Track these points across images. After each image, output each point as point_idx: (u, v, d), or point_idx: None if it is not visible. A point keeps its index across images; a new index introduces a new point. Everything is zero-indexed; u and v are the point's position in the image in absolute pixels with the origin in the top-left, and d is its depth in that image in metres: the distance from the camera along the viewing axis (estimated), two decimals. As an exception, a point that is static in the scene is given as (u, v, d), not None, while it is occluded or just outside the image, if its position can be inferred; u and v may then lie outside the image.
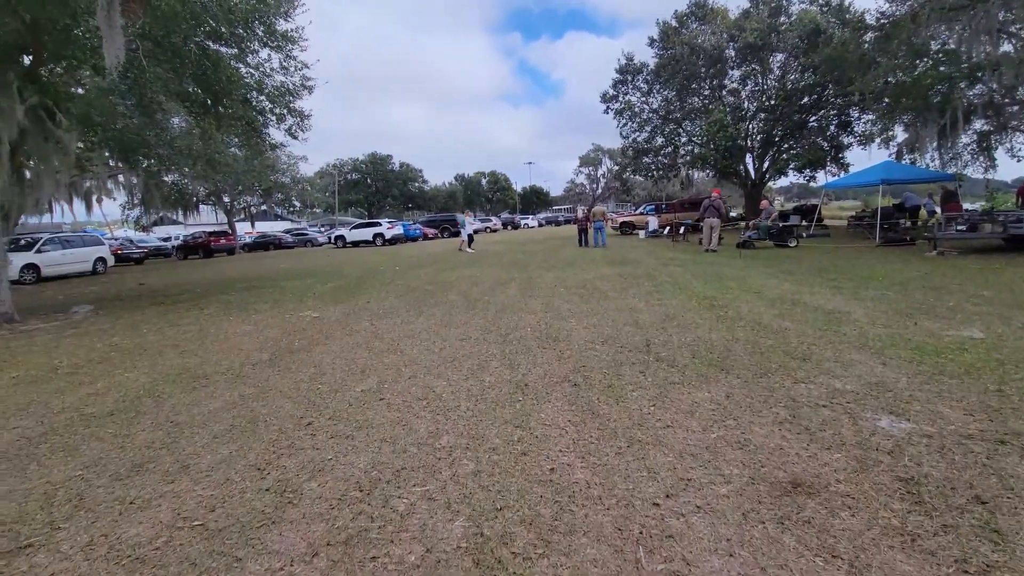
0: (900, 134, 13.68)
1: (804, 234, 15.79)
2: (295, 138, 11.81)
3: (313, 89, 11.09)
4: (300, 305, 8.56)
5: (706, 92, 23.87)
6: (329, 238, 34.19)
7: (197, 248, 30.03)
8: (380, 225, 30.28)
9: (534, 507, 2.29)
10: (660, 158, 25.95)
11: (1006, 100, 12.93)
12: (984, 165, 21.41)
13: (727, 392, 3.53)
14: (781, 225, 14.50)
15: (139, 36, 8.29)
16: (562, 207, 75.56)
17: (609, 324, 5.79)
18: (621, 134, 25.93)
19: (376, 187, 70.24)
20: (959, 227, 10.76)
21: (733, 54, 21.97)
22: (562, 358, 4.60)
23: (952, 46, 10.55)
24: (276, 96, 10.84)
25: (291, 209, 43.90)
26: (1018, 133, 20.50)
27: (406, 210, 76.14)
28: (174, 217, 32.95)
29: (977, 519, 2.02)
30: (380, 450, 2.95)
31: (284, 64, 10.62)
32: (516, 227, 50.48)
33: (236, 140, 13.54)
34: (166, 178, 17.15)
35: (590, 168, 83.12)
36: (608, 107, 25.66)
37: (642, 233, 23.87)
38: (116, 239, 29.32)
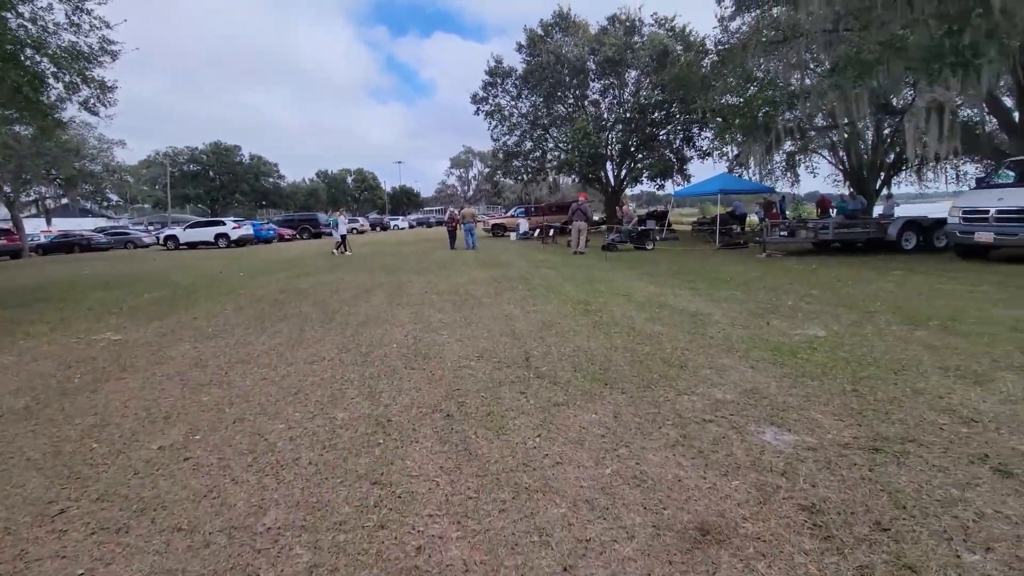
0: (732, 150, 15.56)
1: (658, 238, 17.13)
2: (95, 114, 9.49)
3: (117, 55, 8.96)
4: (97, 324, 6.71)
5: (570, 101, 24.99)
6: (158, 239, 29.09)
7: (-40, 251, 23.41)
8: (223, 224, 26.50)
9: (392, 619, 1.64)
10: (529, 162, 26.56)
11: (807, 126, 15.29)
12: (790, 180, 25.41)
13: (614, 411, 3.23)
14: (640, 229, 15.50)
15: None
16: (433, 208, 74.47)
17: (484, 335, 5.30)
18: (492, 136, 26.06)
19: (221, 181, 62.23)
20: (781, 233, 12.41)
21: (594, 66, 23.28)
22: (433, 380, 3.98)
23: (773, 75, 12.27)
24: (63, 59, 8.53)
25: (105, 204, 36.64)
26: (814, 154, 24.78)
27: (260, 208, 68.72)
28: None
29: (887, 552, 1.86)
30: (168, 548, 2.05)
31: (73, 18, 8.40)
32: (385, 228, 48.39)
33: (15, 115, 10.54)
34: None
35: (461, 170, 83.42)
36: (478, 108, 25.58)
37: (513, 235, 24.15)
38: None
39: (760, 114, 11.28)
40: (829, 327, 5.12)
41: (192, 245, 26.09)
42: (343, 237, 18.28)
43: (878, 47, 8.76)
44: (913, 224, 11.71)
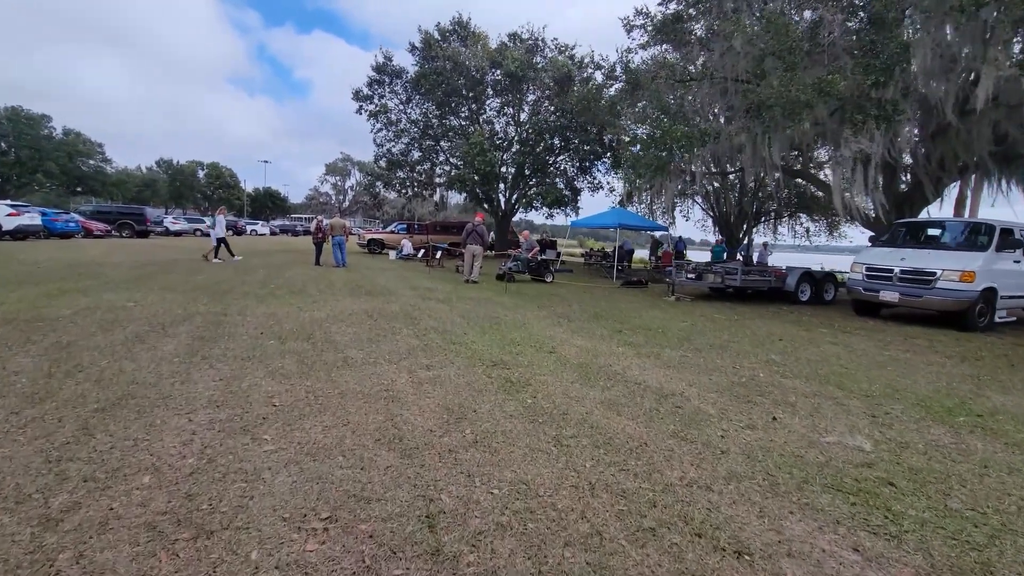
0: (637, 183, 14.97)
1: (554, 269, 15.83)
2: None
3: None
4: None
5: (464, 113, 23.23)
6: None
7: None
8: (-8, 209, 19.63)
9: None
10: (415, 174, 24.09)
11: (711, 168, 15.24)
12: (668, 221, 26.29)
13: None
14: (540, 259, 13.98)
15: None
16: (302, 216, 67.46)
17: (345, 444, 2.91)
18: (375, 140, 23.15)
19: (18, 156, 49.28)
20: (689, 275, 11.69)
21: (493, 79, 21.85)
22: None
23: (687, 109, 11.83)
24: None
25: None
26: (690, 198, 26.04)
27: (73, 195, 55.77)
28: None
29: None
30: None
31: None
32: (240, 233, 41.72)
33: None
34: None
35: (337, 177, 77.47)
36: (361, 107, 22.59)
37: (392, 254, 21.38)
38: None
39: (678, 148, 10.51)
40: (857, 427, 3.64)
41: (-65, 235, 18.87)
42: (221, 240, 14.60)
43: (808, 87, 8.32)
44: (808, 276, 11.71)
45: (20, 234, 19.83)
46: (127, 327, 5.60)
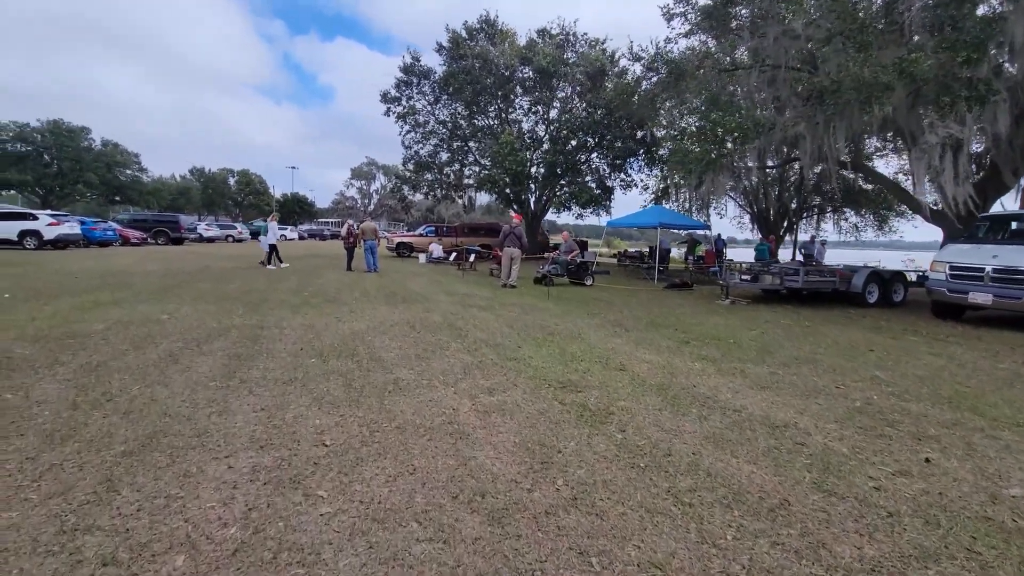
0: (679, 180, 14.18)
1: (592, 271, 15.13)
2: None
3: None
4: None
5: (492, 112, 22.68)
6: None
7: None
8: (34, 219, 19.98)
9: None
10: (443, 176, 23.67)
11: (762, 160, 14.33)
12: (704, 218, 25.28)
13: None
14: (579, 261, 13.33)
15: None
16: (328, 220, 68.14)
17: (419, 512, 2.36)
18: (403, 142, 22.82)
19: (60, 168, 50.96)
20: (743, 277, 10.87)
21: (524, 76, 21.22)
22: None
23: (742, 100, 11.03)
24: None
25: None
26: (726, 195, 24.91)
27: (112, 204, 57.47)
28: None
29: None
30: None
31: None
32: (270, 238, 42.00)
33: None
34: None
35: (362, 182, 78.05)
36: (389, 109, 22.28)
37: (422, 257, 21.00)
38: None
39: (732, 141, 9.74)
40: (1040, 475, 2.92)
41: (-17, 244, 19.33)
42: (273, 247, 14.97)
43: (888, 68, 7.47)
44: (876, 275, 10.75)
45: (61, 243, 20.17)
46: (160, 344, 5.21)
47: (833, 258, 18.28)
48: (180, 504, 2.29)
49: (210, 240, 32.26)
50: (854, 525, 2.31)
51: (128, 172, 56.49)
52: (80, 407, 3.42)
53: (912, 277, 12.51)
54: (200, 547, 1.99)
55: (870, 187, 21.72)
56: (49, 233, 19.76)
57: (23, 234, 19.49)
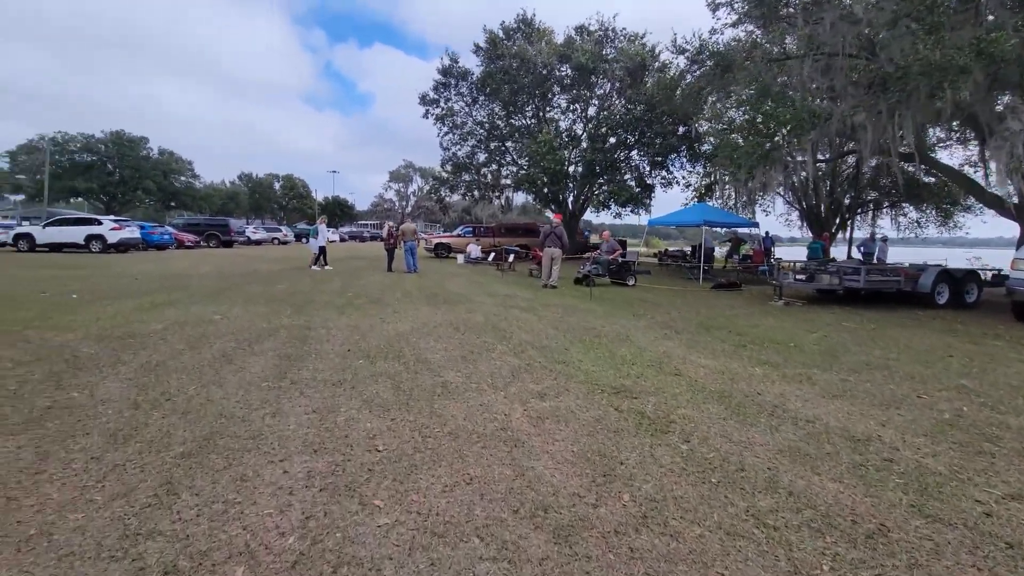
0: (726, 176, 13.62)
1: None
2: None
3: None
4: None
5: (529, 112, 22.53)
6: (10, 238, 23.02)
7: None
8: (98, 223, 21.23)
9: None
10: (481, 176, 23.71)
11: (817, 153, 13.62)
12: (749, 215, 24.35)
13: None
14: (621, 261, 13.02)
15: None
16: (368, 222, 69.66)
17: (479, 526, 2.23)
18: (441, 144, 22.97)
19: (122, 176, 54.13)
20: (798, 276, 10.31)
21: (562, 74, 20.98)
22: None
23: (796, 91, 10.48)
24: None
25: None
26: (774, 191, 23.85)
27: (168, 209, 60.64)
28: None
29: None
30: None
31: None
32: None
33: None
34: None
35: (400, 184, 79.38)
36: (428, 111, 22.52)
37: (460, 258, 21.08)
38: None
39: (787, 133, 9.24)
40: None
41: (56, 247, 20.65)
42: (322, 249, 15.38)
43: (964, 50, 6.88)
44: (946, 275, 9.99)
45: (123, 246, 21.33)
46: (214, 344, 5.32)
47: (892, 256, 17.21)
48: (238, 510, 2.25)
49: (257, 243, 33.51)
50: (969, 558, 2.04)
51: (182, 179, 59.41)
52: (141, 406, 3.48)
53: (986, 276, 11.59)
54: (259, 557, 1.93)
55: (932, 180, 20.35)
56: (112, 237, 20.92)
57: (89, 238, 20.71)
